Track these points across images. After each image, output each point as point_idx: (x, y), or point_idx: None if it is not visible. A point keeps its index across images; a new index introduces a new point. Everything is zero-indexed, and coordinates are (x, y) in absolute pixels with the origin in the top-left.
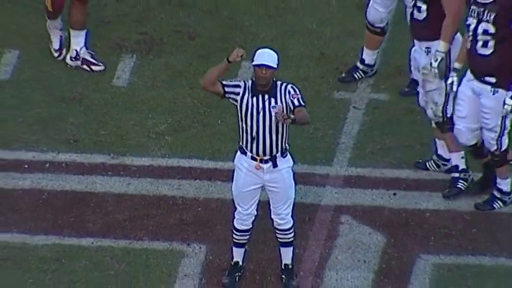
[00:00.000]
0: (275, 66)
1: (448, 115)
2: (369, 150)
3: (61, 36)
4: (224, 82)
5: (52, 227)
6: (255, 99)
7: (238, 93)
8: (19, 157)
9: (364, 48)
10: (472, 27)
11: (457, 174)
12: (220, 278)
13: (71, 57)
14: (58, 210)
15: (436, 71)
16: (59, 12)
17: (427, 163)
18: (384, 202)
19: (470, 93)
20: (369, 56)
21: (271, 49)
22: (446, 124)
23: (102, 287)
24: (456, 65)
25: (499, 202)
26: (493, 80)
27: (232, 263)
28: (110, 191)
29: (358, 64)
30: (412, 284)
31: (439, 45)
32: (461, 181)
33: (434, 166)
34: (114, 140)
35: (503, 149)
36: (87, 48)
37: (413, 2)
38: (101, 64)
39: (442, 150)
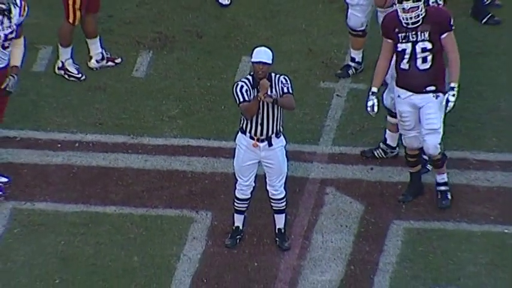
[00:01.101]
0: (270, 62)
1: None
2: (350, 131)
3: (77, 64)
4: (245, 98)
5: (80, 197)
6: (255, 90)
7: (247, 90)
8: (53, 137)
9: (351, 49)
10: (409, 50)
11: (381, 144)
12: (224, 240)
13: (97, 60)
14: (86, 183)
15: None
16: (90, 32)
17: (374, 151)
18: (362, 176)
19: (410, 109)
20: (357, 55)
21: (266, 47)
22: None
23: (123, 248)
24: (374, 89)
25: (449, 192)
26: (433, 88)
27: (234, 228)
28: (130, 167)
29: (350, 62)
30: (387, 245)
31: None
32: (380, 151)
33: (382, 154)
34: (134, 123)
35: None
36: (104, 50)
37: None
38: (116, 56)
39: (391, 140)
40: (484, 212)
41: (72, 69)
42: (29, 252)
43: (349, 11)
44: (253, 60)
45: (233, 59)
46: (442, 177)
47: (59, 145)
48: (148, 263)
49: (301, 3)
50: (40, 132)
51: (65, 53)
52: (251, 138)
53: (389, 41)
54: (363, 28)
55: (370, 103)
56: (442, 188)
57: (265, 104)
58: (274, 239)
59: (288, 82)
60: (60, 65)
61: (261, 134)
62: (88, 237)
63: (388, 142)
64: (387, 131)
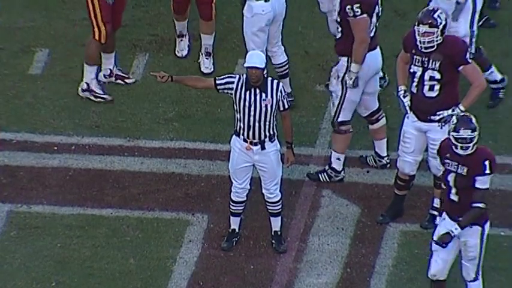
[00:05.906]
0: (263, 66)
1: (339, 120)
2: None
3: (100, 80)
4: (217, 79)
5: (77, 200)
6: (248, 93)
7: (231, 88)
8: (49, 140)
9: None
10: (418, 74)
11: (327, 168)
12: (220, 243)
13: (104, 75)
14: (82, 185)
15: (350, 83)
16: (108, 47)
17: (367, 158)
18: (358, 178)
19: (415, 132)
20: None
21: (260, 51)
22: (335, 126)
23: (120, 251)
24: (403, 87)
25: (438, 217)
26: (438, 117)
27: (230, 230)
28: (126, 169)
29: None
30: (383, 248)
31: (352, 67)
32: (325, 175)
33: (373, 161)
34: (130, 126)
35: None
36: (116, 67)
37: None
38: (131, 77)
39: (379, 149)
40: None
41: (98, 90)
42: (25, 255)
43: (328, 18)
44: (246, 65)
45: (229, 61)
46: (438, 202)
47: (55, 148)
48: (144, 265)
49: (297, 5)
50: (36, 135)
51: (90, 72)
52: (244, 141)
53: (408, 54)
54: None
55: (407, 103)
56: (435, 212)
57: (257, 109)
58: (270, 241)
59: (286, 93)
60: (85, 86)
61: (253, 138)
62: (84, 239)
63: (376, 150)
64: (373, 141)
